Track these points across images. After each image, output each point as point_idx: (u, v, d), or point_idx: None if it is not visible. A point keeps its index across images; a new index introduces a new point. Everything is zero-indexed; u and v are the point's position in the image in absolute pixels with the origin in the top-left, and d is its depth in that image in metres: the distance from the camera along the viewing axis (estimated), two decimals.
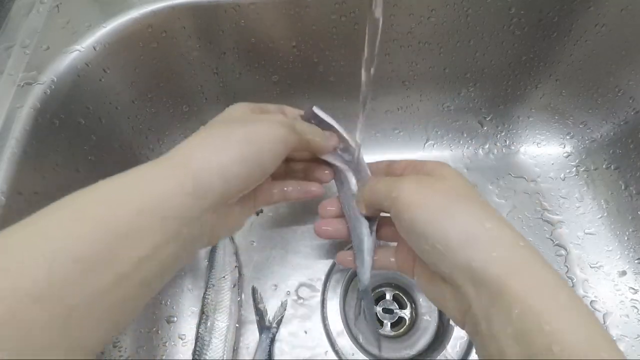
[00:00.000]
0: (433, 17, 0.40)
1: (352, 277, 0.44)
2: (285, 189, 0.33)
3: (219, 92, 0.46)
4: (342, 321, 0.42)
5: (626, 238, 0.45)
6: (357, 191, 0.32)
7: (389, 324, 0.41)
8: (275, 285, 0.44)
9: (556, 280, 0.21)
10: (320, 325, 0.42)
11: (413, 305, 0.43)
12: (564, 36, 0.44)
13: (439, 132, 0.52)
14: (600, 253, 0.46)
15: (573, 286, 0.44)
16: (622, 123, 0.46)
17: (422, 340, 0.41)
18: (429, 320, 0.42)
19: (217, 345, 0.39)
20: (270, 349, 0.40)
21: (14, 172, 0.30)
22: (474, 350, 0.39)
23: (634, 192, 0.45)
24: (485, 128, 0.52)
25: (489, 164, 0.52)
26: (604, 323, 0.42)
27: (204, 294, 0.42)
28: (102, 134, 0.39)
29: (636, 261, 0.44)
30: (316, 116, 0.31)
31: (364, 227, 0.30)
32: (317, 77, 0.45)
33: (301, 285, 0.44)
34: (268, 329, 0.41)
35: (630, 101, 0.44)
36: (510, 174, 0.51)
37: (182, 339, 0.42)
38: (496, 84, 0.48)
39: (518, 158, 0.52)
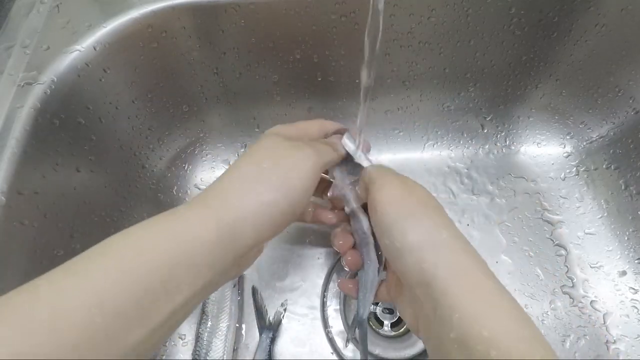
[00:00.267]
0: (433, 17, 0.40)
1: (353, 277, 0.44)
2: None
3: (219, 92, 0.46)
4: (342, 321, 0.42)
5: (626, 238, 0.45)
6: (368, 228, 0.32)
7: (389, 324, 0.41)
8: (276, 285, 0.44)
9: (496, 286, 0.23)
10: (320, 325, 0.42)
11: None
12: (564, 36, 0.43)
13: (439, 132, 0.52)
14: (600, 253, 0.46)
15: (573, 286, 0.44)
16: (622, 123, 0.46)
17: None
18: None
19: (217, 345, 0.39)
20: (270, 349, 0.40)
21: (14, 172, 0.30)
22: None
23: (634, 192, 0.45)
24: (485, 128, 0.52)
25: (489, 164, 0.52)
26: (604, 323, 0.42)
27: None
28: (102, 134, 0.39)
29: (636, 261, 0.44)
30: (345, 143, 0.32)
31: (374, 268, 0.31)
32: (317, 77, 0.45)
33: (301, 285, 0.44)
34: (268, 329, 0.41)
35: (630, 101, 0.44)
36: (510, 174, 0.51)
37: (182, 339, 0.42)
38: (496, 84, 0.48)
39: (518, 158, 0.52)
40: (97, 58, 0.36)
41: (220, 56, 0.42)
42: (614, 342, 0.42)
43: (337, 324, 0.42)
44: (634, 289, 0.44)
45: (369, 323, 0.42)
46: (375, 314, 0.42)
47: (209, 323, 0.40)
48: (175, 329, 0.23)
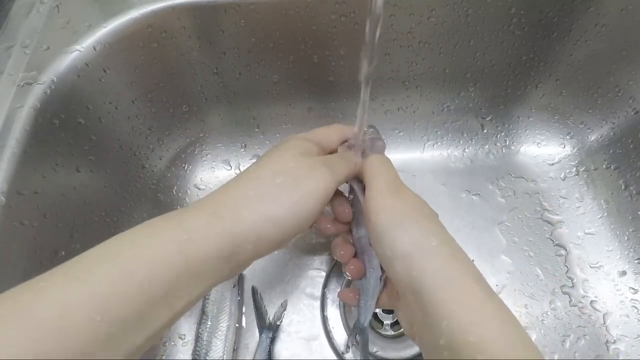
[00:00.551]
0: (433, 17, 0.40)
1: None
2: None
3: (219, 92, 0.46)
4: (342, 321, 0.42)
5: (626, 238, 0.45)
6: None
7: (389, 324, 0.41)
8: (276, 285, 0.44)
9: (484, 292, 0.23)
10: (320, 325, 0.42)
11: None
12: (564, 36, 0.43)
13: (439, 132, 0.52)
14: (600, 253, 0.46)
15: (573, 286, 0.44)
16: (622, 123, 0.46)
17: None
18: None
19: (217, 345, 0.39)
20: (270, 349, 0.40)
21: (14, 172, 0.30)
22: None
23: (634, 192, 0.45)
24: (485, 128, 0.52)
25: (489, 164, 0.52)
26: (604, 323, 0.42)
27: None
28: (102, 134, 0.39)
29: (636, 261, 0.44)
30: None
31: (376, 276, 0.31)
32: (317, 77, 0.45)
33: (301, 285, 0.44)
34: (268, 329, 0.41)
35: (630, 101, 0.44)
36: (510, 174, 0.51)
37: (182, 339, 0.42)
38: (496, 84, 0.48)
39: (518, 158, 0.52)
40: (97, 58, 0.36)
41: (220, 56, 0.42)
42: (614, 342, 0.42)
43: (337, 324, 0.42)
44: (634, 289, 0.44)
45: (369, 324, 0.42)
46: (375, 314, 0.42)
47: (209, 323, 0.40)
48: (170, 327, 0.23)
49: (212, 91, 0.46)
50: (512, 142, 0.53)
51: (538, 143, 0.53)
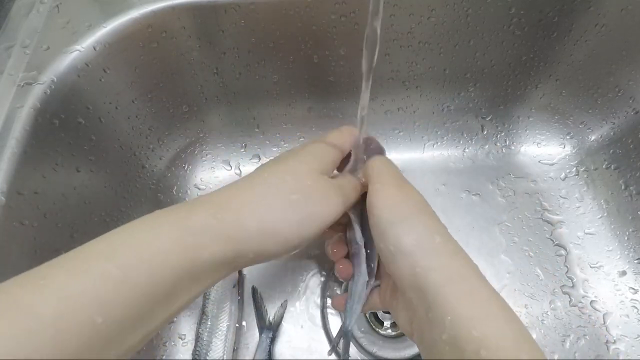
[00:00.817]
0: (433, 17, 0.40)
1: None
2: None
3: (219, 92, 0.46)
4: (342, 320, 0.42)
5: (626, 238, 0.45)
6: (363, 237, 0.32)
7: (389, 324, 0.41)
8: (276, 285, 0.44)
9: (488, 289, 0.23)
10: (320, 325, 0.42)
11: None
12: (564, 36, 0.43)
13: (439, 132, 0.52)
14: (600, 253, 0.46)
15: (573, 286, 0.44)
16: (622, 123, 0.46)
17: None
18: None
19: (217, 345, 0.39)
20: (270, 349, 0.40)
21: (14, 172, 0.30)
22: None
23: (634, 192, 0.45)
24: (485, 128, 0.52)
25: (489, 164, 0.52)
26: (604, 323, 0.42)
27: (204, 294, 0.42)
28: (102, 134, 0.39)
29: (636, 261, 0.44)
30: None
31: (363, 281, 0.31)
32: (317, 77, 0.45)
33: (301, 285, 0.44)
34: (268, 329, 0.41)
35: (630, 101, 0.44)
36: (510, 174, 0.51)
37: (182, 339, 0.42)
38: (496, 84, 0.48)
39: (518, 158, 0.52)
40: (97, 58, 0.36)
41: (220, 56, 0.42)
42: (614, 342, 0.42)
43: (337, 324, 0.42)
44: (634, 289, 0.44)
45: (369, 324, 0.42)
46: (375, 314, 0.42)
47: (209, 323, 0.40)
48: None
49: (212, 91, 0.46)
50: (512, 142, 0.53)
51: (538, 143, 0.53)
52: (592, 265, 0.45)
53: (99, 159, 0.39)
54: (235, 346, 0.40)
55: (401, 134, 0.52)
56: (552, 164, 0.52)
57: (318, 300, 0.43)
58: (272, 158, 0.29)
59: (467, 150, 0.53)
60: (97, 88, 0.37)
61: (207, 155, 0.51)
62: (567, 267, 0.45)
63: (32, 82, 0.33)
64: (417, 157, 0.52)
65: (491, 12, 0.40)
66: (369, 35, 0.23)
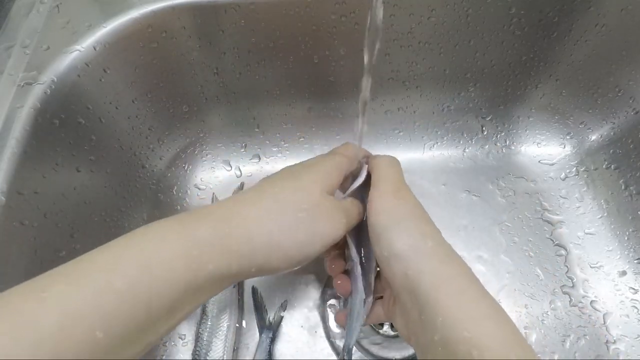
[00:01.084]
0: (433, 17, 0.40)
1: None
2: None
3: (219, 92, 0.46)
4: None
5: (626, 238, 0.45)
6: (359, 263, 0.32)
7: (389, 324, 0.41)
8: (276, 285, 0.44)
9: (479, 291, 0.24)
10: (320, 325, 0.42)
11: None
12: (564, 36, 0.44)
13: (439, 132, 0.52)
14: (600, 253, 0.46)
15: (573, 286, 0.44)
16: (622, 123, 0.46)
17: None
18: None
19: (217, 345, 0.39)
20: (270, 349, 0.40)
21: (14, 172, 0.30)
22: None
23: (634, 192, 0.45)
24: (485, 128, 0.52)
25: (489, 164, 0.52)
26: (604, 323, 0.42)
27: None
28: (102, 134, 0.39)
29: (636, 261, 0.44)
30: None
31: (360, 299, 0.31)
32: (317, 77, 0.45)
33: (301, 285, 0.44)
34: (268, 329, 0.41)
35: (630, 101, 0.44)
36: (510, 174, 0.51)
37: (182, 339, 0.42)
38: (496, 84, 0.48)
39: (518, 158, 0.52)
40: (97, 58, 0.36)
41: (220, 56, 0.42)
42: (614, 342, 0.42)
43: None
44: (634, 289, 0.44)
45: (369, 324, 0.42)
46: None
47: (209, 323, 0.40)
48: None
49: (212, 91, 0.46)
50: (512, 142, 0.53)
51: (538, 143, 0.53)
52: (592, 265, 0.45)
53: (99, 159, 0.39)
54: (235, 346, 0.40)
55: (401, 134, 0.52)
56: (552, 164, 0.52)
57: (318, 300, 0.43)
58: (283, 168, 0.29)
59: (467, 150, 0.53)
60: (97, 88, 0.37)
61: (207, 155, 0.51)
62: (567, 267, 0.45)
63: (32, 82, 0.33)
64: (417, 157, 0.52)
65: (491, 12, 0.40)
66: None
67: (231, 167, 0.52)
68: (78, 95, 0.36)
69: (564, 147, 0.52)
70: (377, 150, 0.52)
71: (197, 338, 0.40)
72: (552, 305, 0.43)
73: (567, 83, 0.48)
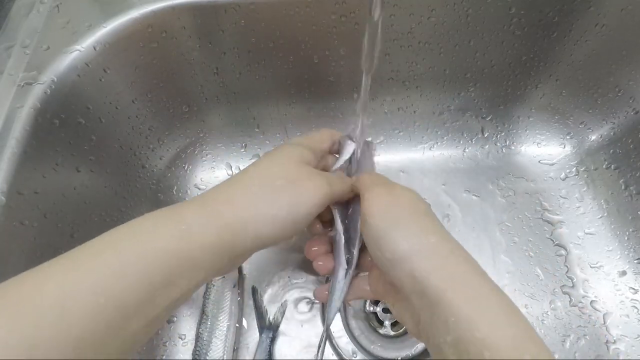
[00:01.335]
0: (433, 17, 0.40)
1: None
2: None
3: (219, 92, 0.46)
4: (343, 321, 0.42)
5: (626, 238, 0.45)
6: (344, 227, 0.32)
7: (389, 324, 0.41)
8: (276, 285, 0.44)
9: (490, 288, 0.23)
10: (321, 325, 0.42)
11: None
12: (564, 36, 0.44)
13: (439, 132, 0.52)
14: (600, 253, 0.46)
15: (573, 286, 0.44)
16: (622, 123, 0.46)
17: None
18: None
19: (217, 345, 0.39)
20: (270, 349, 0.40)
21: (14, 172, 0.30)
22: None
23: (634, 192, 0.45)
24: (485, 128, 0.53)
25: (489, 164, 0.52)
26: (604, 323, 0.42)
27: (204, 294, 0.42)
28: (102, 134, 0.39)
29: (636, 261, 0.44)
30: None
31: (342, 271, 0.31)
32: (317, 77, 0.45)
33: (301, 285, 0.44)
34: (268, 329, 0.41)
35: (630, 101, 0.45)
36: (510, 174, 0.51)
37: (182, 339, 0.42)
38: (496, 84, 0.48)
39: (518, 158, 0.52)
40: (97, 58, 0.36)
41: (220, 56, 0.42)
42: (614, 342, 0.42)
43: (337, 323, 0.42)
44: (634, 289, 0.44)
45: (369, 323, 0.42)
46: (375, 314, 0.42)
47: (209, 323, 0.40)
48: (167, 319, 0.24)
49: (212, 91, 0.46)
50: (512, 142, 0.53)
51: (538, 143, 0.53)
52: (592, 265, 0.45)
53: (99, 159, 0.39)
54: (235, 346, 0.40)
55: (401, 134, 0.52)
56: (552, 164, 0.52)
57: (318, 300, 0.43)
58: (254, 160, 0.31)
59: (467, 150, 0.53)
60: (97, 88, 0.37)
61: (207, 155, 0.51)
62: (567, 267, 0.45)
63: (32, 82, 0.33)
64: (417, 157, 0.52)
65: (491, 12, 0.40)
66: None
67: (231, 167, 0.52)
68: (78, 95, 0.36)
69: (564, 147, 0.52)
70: (377, 150, 0.52)
71: (197, 338, 0.40)
72: (552, 305, 0.43)
73: (567, 83, 0.48)
